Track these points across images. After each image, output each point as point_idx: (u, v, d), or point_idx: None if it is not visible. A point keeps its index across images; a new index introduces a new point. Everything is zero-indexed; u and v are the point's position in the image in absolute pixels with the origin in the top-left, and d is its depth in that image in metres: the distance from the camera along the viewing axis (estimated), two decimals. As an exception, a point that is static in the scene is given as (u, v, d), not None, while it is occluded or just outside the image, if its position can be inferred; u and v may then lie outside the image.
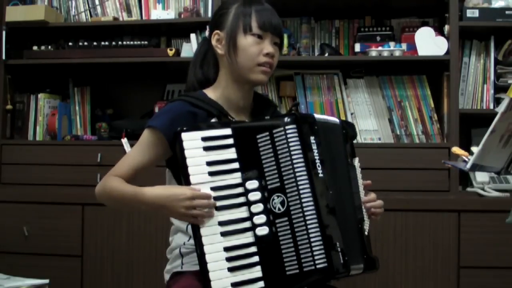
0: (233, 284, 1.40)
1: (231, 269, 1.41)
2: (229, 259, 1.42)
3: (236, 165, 1.47)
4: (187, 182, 1.45)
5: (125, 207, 2.45)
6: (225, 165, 1.46)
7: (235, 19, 1.62)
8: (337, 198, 1.47)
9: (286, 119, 1.45)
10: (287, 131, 1.44)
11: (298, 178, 1.42)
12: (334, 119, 1.60)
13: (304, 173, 1.42)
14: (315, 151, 1.45)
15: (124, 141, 2.90)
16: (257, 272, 1.42)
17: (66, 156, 2.96)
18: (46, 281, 2.49)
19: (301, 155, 1.43)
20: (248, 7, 1.62)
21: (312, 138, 1.46)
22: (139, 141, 1.61)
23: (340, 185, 1.52)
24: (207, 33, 1.73)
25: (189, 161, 1.45)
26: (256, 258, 1.42)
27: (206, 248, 1.41)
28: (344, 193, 1.53)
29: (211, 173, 1.45)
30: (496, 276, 2.57)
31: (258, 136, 1.46)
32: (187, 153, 1.45)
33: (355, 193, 1.58)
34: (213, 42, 1.65)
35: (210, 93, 1.66)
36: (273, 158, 1.44)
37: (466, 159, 1.63)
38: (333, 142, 1.55)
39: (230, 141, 1.48)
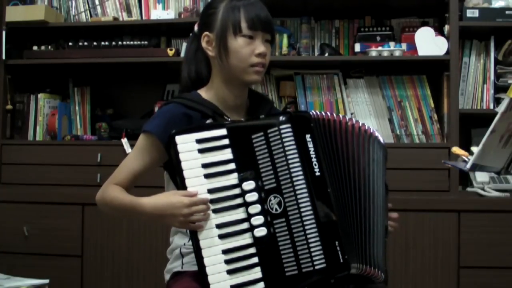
0: (232, 286, 1.40)
1: (230, 272, 1.40)
2: (227, 262, 1.41)
3: (232, 166, 1.45)
4: (183, 186, 1.44)
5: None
6: (221, 166, 1.45)
7: (223, 20, 1.58)
8: (342, 195, 1.45)
9: (281, 118, 1.44)
10: (282, 131, 1.43)
11: (294, 179, 1.41)
12: (378, 135, 1.56)
13: (300, 173, 1.41)
14: (311, 149, 1.43)
15: (124, 141, 2.90)
16: (257, 273, 1.41)
17: (66, 156, 2.96)
18: (46, 281, 2.48)
19: (296, 155, 1.42)
20: (236, 6, 1.58)
21: (308, 136, 1.44)
22: (136, 146, 1.61)
23: (351, 184, 1.48)
24: (195, 28, 1.70)
25: (184, 165, 1.44)
26: (255, 259, 1.42)
27: (204, 252, 1.41)
28: (354, 192, 1.48)
29: (207, 175, 1.44)
30: (496, 276, 2.57)
31: (253, 136, 1.45)
32: (181, 156, 1.44)
33: (382, 203, 1.53)
34: (203, 44, 1.62)
35: (204, 93, 1.65)
36: (268, 159, 1.43)
37: (466, 159, 1.63)
38: (348, 143, 1.50)
39: (226, 141, 1.47)
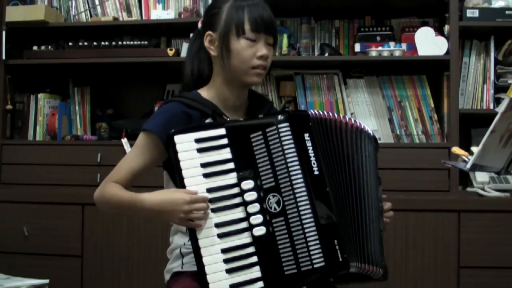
0: (232, 286, 1.40)
1: (229, 271, 1.41)
2: (226, 261, 1.41)
3: (231, 165, 1.46)
4: (182, 185, 1.44)
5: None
6: (220, 165, 1.45)
7: (227, 21, 1.58)
8: (340, 194, 1.46)
9: (279, 117, 1.44)
10: (280, 130, 1.43)
11: (292, 177, 1.41)
12: (368, 129, 1.58)
13: (299, 172, 1.41)
14: (310, 148, 1.44)
15: (124, 141, 2.90)
16: (256, 272, 1.41)
17: (66, 156, 2.96)
18: (46, 281, 2.49)
19: (294, 154, 1.42)
20: (240, 6, 1.58)
21: (306, 135, 1.45)
22: (135, 145, 1.61)
23: (348, 183, 1.49)
24: (199, 25, 1.70)
25: (183, 164, 1.44)
26: (254, 259, 1.42)
27: (203, 251, 1.41)
28: (350, 190, 1.50)
29: (206, 175, 1.45)
30: (496, 276, 2.57)
31: (251, 136, 1.46)
32: (180, 156, 1.44)
33: (376, 199, 1.54)
34: (206, 43, 1.63)
35: (205, 92, 1.65)
36: (267, 158, 1.43)
37: (466, 159, 1.62)
38: (343, 142, 1.52)
39: (225, 141, 1.47)
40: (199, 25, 1.70)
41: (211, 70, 1.67)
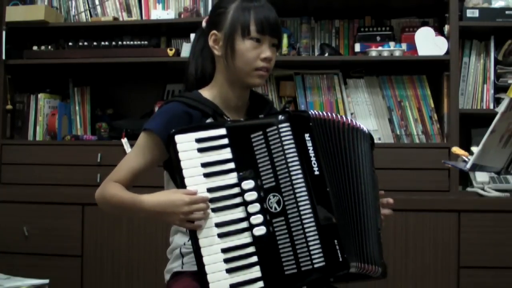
0: (232, 286, 1.40)
1: (229, 271, 1.41)
2: (227, 261, 1.41)
3: (231, 165, 1.46)
4: (182, 185, 1.44)
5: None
6: (221, 165, 1.46)
7: (233, 21, 1.58)
8: (339, 194, 1.46)
9: (280, 117, 1.45)
10: (280, 130, 1.44)
11: (293, 177, 1.41)
12: (363, 128, 1.58)
13: (299, 172, 1.42)
14: (310, 148, 1.44)
15: (124, 141, 2.90)
16: (256, 272, 1.41)
17: (66, 156, 2.96)
18: (46, 281, 2.49)
19: (295, 154, 1.42)
20: (247, 7, 1.58)
21: (306, 135, 1.45)
22: (136, 144, 1.61)
23: (346, 182, 1.49)
24: (204, 24, 1.71)
25: (183, 164, 1.44)
26: (254, 258, 1.42)
27: (203, 251, 1.41)
28: (348, 189, 1.50)
29: (206, 175, 1.45)
30: (496, 276, 2.57)
31: (252, 136, 1.46)
32: (181, 155, 1.44)
33: (373, 197, 1.55)
34: (210, 42, 1.63)
35: (206, 92, 1.65)
36: (267, 157, 1.44)
37: (466, 159, 1.63)
38: (341, 141, 1.52)
39: (225, 141, 1.47)
40: (204, 23, 1.70)
41: (213, 69, 1.67)
